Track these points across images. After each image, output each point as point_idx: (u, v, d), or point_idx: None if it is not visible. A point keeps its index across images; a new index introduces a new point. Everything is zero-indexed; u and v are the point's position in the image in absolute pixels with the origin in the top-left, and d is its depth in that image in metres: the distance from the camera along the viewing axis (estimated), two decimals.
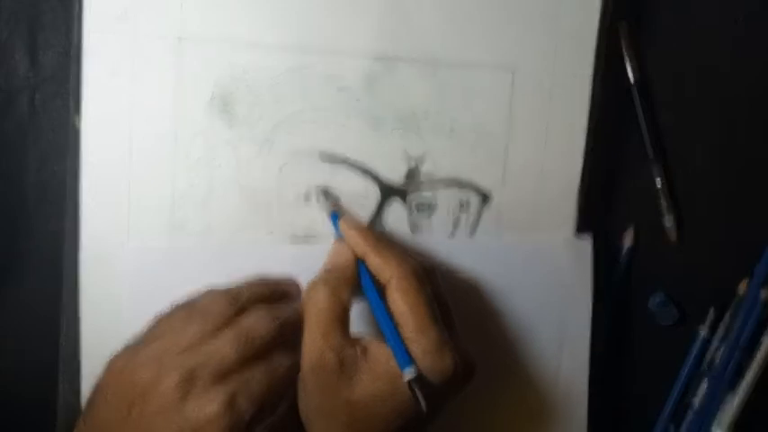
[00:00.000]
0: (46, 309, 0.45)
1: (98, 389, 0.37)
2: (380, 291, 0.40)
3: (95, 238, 0.43)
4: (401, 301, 0.38)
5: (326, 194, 0.44)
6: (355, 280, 0.40)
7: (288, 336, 0.39)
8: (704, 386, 0.51)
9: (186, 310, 0.39)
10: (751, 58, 0.51)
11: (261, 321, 0.38)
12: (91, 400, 0.37)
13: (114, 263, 0.43)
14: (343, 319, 0.38)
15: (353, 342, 0.38)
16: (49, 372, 0.44)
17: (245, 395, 0.35)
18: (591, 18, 0.46)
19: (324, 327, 0.38)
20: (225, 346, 0.37)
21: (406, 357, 0.37)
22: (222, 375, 0.36)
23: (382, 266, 0.40)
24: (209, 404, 0.35)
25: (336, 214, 0.44)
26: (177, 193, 0.43)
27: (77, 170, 0.42)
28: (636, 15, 0.49)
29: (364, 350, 0.38)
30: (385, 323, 0.38)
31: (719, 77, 0.51)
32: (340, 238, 0.43)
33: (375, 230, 0.44)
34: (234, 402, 0.35)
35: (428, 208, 0.46)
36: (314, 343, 0.38)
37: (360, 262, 0.41)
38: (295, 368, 0.38)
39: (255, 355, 0.37)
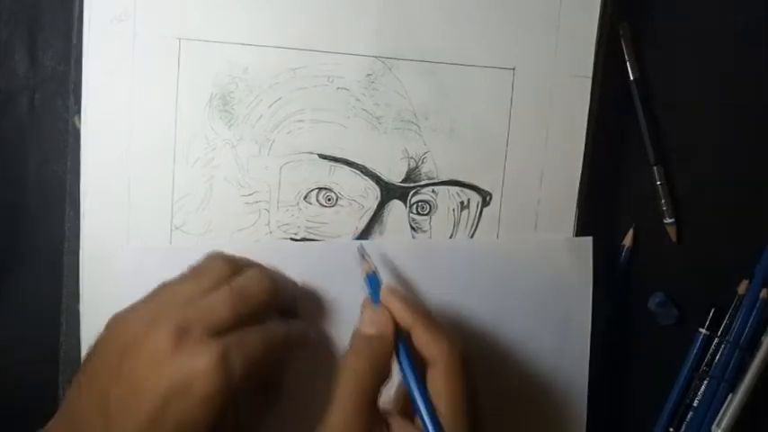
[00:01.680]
0: (46, 309, 0.45)
1: (95, 343, 0.38)
2: (416, 363, 0.38)
3: (95, 238, 0.43)
4: (445, 387, 0.37)
5: (363, 254, 0.43)
6: (392, 353, 0.39)
7: (283, 304, 0.39)
8: (704, 386, 0.51)
9: (186, 271, 0.40)
10: (751, 58, 0.51)
11: (255, 280, 0.39)
12: (88, 355, 0.38)
13: (114, 263, 0.43)
14: (377, 395, 0.37)
15: (381, 420, 0.37)
16: (49, 372, 0.44)
17: (238, 353, 0.35)
18: (591, 18, 0.46)
19: (359, 401, 0.36)
20: (219, 302, 0.37)
21: None
22: (216, 331, 0.36)
23: (431, 344, 0.38)
24: (201, 357, 0.35)
25: (375, 277, 0.41)
26: (177, 193, 0.43)
27: (77, 170, 0.42)
28: (636, 15, 0.49)
29: (388, 428, 0.37)
30: (423, 404, 0.37)
31: (719, 78, 0.51)
32: (372, 302, 0.40)
33: (421, 304, 0.42)
34: (227, 358, 0.35)
35: (428, 208, 0.46)
36: (345, 414, 0.36)
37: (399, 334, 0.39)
38: (290, 338, 0.39)
39: (250, 315, 0.37)
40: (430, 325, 0.38)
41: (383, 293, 0.40)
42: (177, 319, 0.36)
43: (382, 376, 0.38)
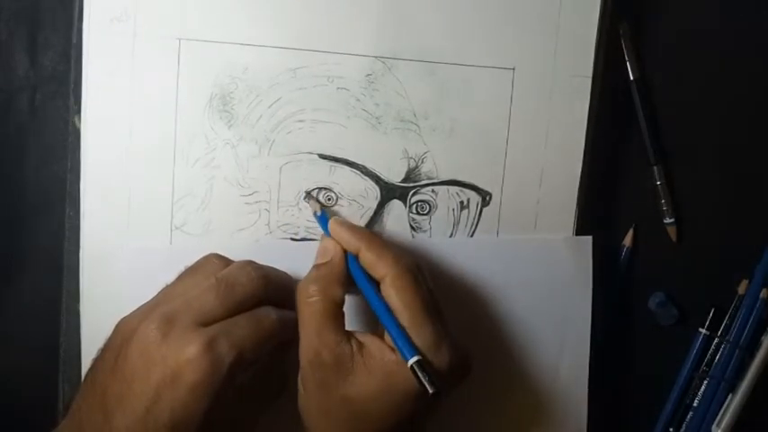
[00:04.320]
0: (46, 309, 0.45)
1: (101, 346, 0.38)
2: (374, 285, 0.40)
3: (95, 238, 0.43)
4: (396, 298, 0.38)
5: (309, 196, 0.44)
6: (345, 276, 0.40)
7: (273, 292, 0.40)
8: (704, 386, 0.51)
9: (183, 271, 0.41)
10: (751, 58, 0.51)
11: (242, 271, 0.39)
12: (93, 358, 0.39)
13: (114, 263, 0.43)
14: (336, 316, 0.39)
15: (348, 338, 0.38)
16: (49, 372, 0.44)
17: (225, 339, 0.36)
18: (591, 18, 0.46)
19: (317, 325, 0.38)
20: (205, 294, 0.37)
21: (407, 345, 0.37)
22: (203, 321, 0.36)
23: (376, 263, 0.39)
24: (188, 345, 0.35)
25: (325, 215, 0.43)
26: (177, 193, 0.43)
27: (77, 170, 0.42)
28: (636, 15, 0.49)
29: (360, 346, 0.38)
30: (382, 313, 0.38)
31: (720, 77, 0.51)
32: (326, 235, 0.43)
33: (366, 228, 0.44)
34: (214, 345, 0.35)
35: (428, 208, 0.46)
36: (309, 341, 0.38)
37: (351, 257, 0.41)
38: (283, 325, 0.39)
39: (238, 305, 0.38)
40: (374, 246, 0.40)
41: (331, 225, 0.42)
42: (164, 312, 0.36)
43: (334, 297, 0.39)
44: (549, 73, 0.46)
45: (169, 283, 0.40)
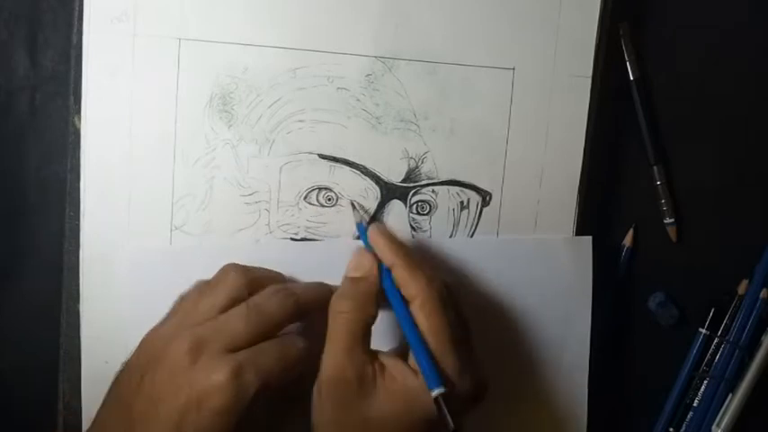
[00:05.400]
0: (46, 309, 0.45)
1: (126, 361, 0.38)
2: (405, 303, 0.40)
3: (95, 238, 0.43)
4: (424, 323, 0.38)
5: (354, 205, 0.44)
6: (380, 294, 0.40)
7: (304, 315, 0.39)
8: (704, 386, 0.51)
9: (202, 285, 0.40)
10: (751, 58, 0.51)
11: (273, 298, 0.39)
12: (117, 372, 0.39)
13: (114, 263, 0.43)
14: (366, 335, 0.39)
15: (373, 358, 0.38)
16: (49, 372, 0.44)
17: (252, 368, 0.36)
18: (591, 18, 0.46)
19: (348, 342, 0.38)
20: (235, 319, 0.37)
21: (434, 374, 0.37)
22: (232, 347, 0.36)
23: (408, 282, 0.39)
24: (216, 372, 0.35)
25: (364, 226, 0.43)
26: (177, 193, 0.43)
27: (77, 170, 0.42)
28: (636, 15, 0.49)
29: (382, 367, 0.38)
30: (412, 336, 0.38)
31: (720, 77, 0.51)
32: (363, 247, 0.42)
33: (405, 244, 0.43)
34: (240, 373, 0.35)
35: (428, 208, 0.46)
36: (336, 357, 0.38)
37: (385, 271, 0.40)
38: (307, 352, 0.38)
39: (267, 331, 0.38)
40: (408, 263, 0.40)
41: (370, 232, 0.42)
42: (194, 336, 0.36)
43: (368, 316, 0.39)
44: (548, 73, 0.46)
45: (184, 293, 0.40)
